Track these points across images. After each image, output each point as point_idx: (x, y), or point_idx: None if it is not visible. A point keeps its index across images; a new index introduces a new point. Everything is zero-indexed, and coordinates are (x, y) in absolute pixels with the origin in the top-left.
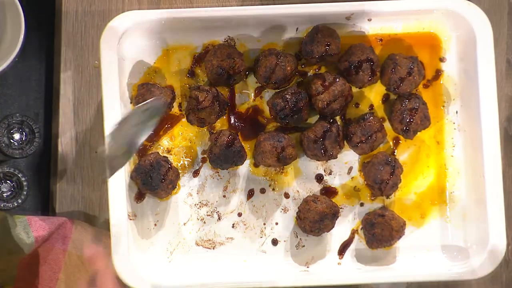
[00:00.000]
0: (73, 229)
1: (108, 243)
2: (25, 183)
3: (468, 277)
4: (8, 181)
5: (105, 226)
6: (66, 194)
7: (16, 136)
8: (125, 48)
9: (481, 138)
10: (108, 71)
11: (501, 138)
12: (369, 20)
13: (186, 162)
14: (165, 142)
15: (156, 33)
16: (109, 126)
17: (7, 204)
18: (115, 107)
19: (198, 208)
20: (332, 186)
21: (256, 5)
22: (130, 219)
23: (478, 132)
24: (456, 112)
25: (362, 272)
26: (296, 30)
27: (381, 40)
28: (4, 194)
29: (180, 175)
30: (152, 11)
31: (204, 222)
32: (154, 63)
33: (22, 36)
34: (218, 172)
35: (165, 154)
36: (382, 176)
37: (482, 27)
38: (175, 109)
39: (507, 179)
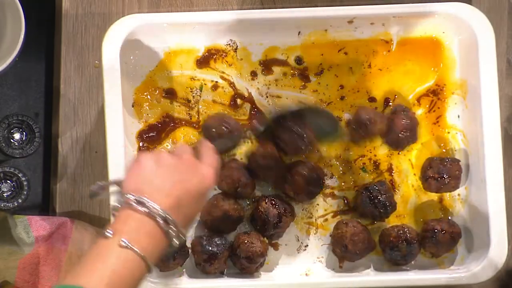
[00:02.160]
0: (73, 228)
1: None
2: (25, 183)
3: (469, 282)
4: (8, 181)
5: (106, 226)
6: (66, 193)
7: (16, 136)
8: (127, 52)
9: (483, 143)
10: (110, 76)
11: (501, 138)
12: (372, 24)
13: None
14: (167, 145)
15: (158, 36)
16: (111, 130)
17: (7, 204)
18: (117, 111)
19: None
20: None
21: (258, 7)
22: None
23: (480, 137)
24: (458, 116)
25: (363, 276)
26: (299, 34)
27: (386, 42)
28: (4, 194)
29: None
30: (154, 15)
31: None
32: (156, 66)
33: (22, 36)
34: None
35: None
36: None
37: (484, 31)
38: (179, 111)
39: (507, 179)
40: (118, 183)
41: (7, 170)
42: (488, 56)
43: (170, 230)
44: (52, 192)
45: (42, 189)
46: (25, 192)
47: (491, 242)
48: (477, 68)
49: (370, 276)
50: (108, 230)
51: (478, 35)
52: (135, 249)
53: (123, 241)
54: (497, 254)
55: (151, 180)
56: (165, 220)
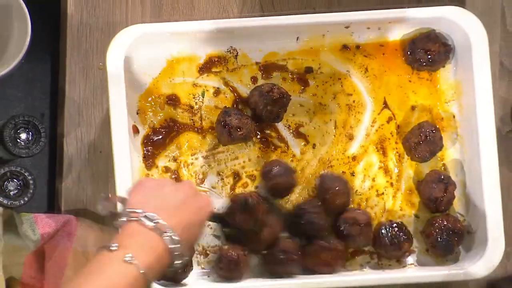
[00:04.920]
0: (78, 226)
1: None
2: (31, 182)
3: (465, 278)
4: (14, 180)
5: (109, 224)
6: (71, 192)
7: (23, 135)
8: (131, 60)
9: (478, 143)
10: (115, 84)
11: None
12: (368, 28)
13: (192, 172)
14: (171, 150)
15: (161, 45)
16: (117, 138)
17: (14, 202)
18: (122, 119)
19: None
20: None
21: (257, 11)
22: None
23: (475, 137)
24: (453, 116)
25: (362, 275)
26: (297, 39)
27: (378, 48)
28: (11, 192)
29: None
30: (157, 25)
31: (211, 228)
32: (159, 74)
33: (28, 39)
34: (223, 179)
35: (171, 162)
36: (436, 194)
37: (477, 33)
38: (182, 117)
39: (500, 178)
40: (123, 200)
41: (14, 169)
42: (482, 57)
43: (174, 248)
44: (57, 191)
45: (47, 188)
46: (31, 191)
47: (488, 241)
48: (471, 69)
49: (366, 274)
50: (113, 244)
51: (472, 37)
52: (138, 265)
53: (127, 256)
54: (493, 252)
55: (155, 199)
56: (170, 237)
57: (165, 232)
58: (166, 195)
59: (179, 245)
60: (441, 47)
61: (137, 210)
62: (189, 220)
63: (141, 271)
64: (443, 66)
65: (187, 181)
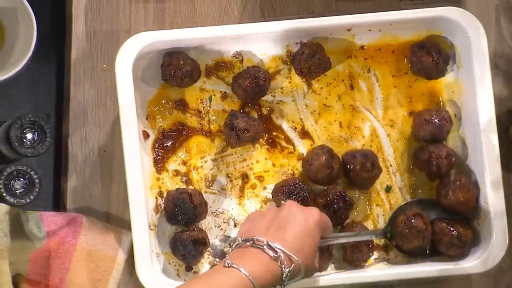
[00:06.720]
0: (83, 224)
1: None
2: (37, 181)
3: (466, 272)
4: (21, 179)
5: (113, 221)
6: (76, 191)
7: (29, 135)
8: (139, 67)
9: (480, 140)
10: (124, 91)
11: None
12: (369, 30)
13: (201, 175)
14: (181, 154)
15: (169, 51)
16: (127, 144)
17: (20, 201)
18: (132, 125)
19: (215, 216)
20: None
21: (257, 15)
22: (151, 229)
23: (477, 135)
24: (455, 115)
25: (361, 272)
26: (300, 42)
27: (379, 49)
28: (17, 191)
29: (196, 186)
30: (164, 32)
31: (221, 229)
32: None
33: (34, 41)
34: (231, 181)
35: (181, 166)
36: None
37: (476, 31)
38: (191, 122)
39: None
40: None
41: (20, 168)
42: (482, 56)
43: (281, 261)
44: (62, 190)
45: (53, 186)
46: (36, 189)
47: (491, 236)
48: (471, 68)
49: (370, 270)
50: (227, 261)
51: (471, 35)
52: (247, 274)
53: (234, 265)
54: (497, 247)
55: (258, 226)
56: (273, 249)
57: (269, 248)
58: (267, 220)
59: (282, 255)
60: (440, 59)
61: (239, 238)
62: (295, 233)
63: (249, 278)
64: (443, 75)
65: (290, 203)
